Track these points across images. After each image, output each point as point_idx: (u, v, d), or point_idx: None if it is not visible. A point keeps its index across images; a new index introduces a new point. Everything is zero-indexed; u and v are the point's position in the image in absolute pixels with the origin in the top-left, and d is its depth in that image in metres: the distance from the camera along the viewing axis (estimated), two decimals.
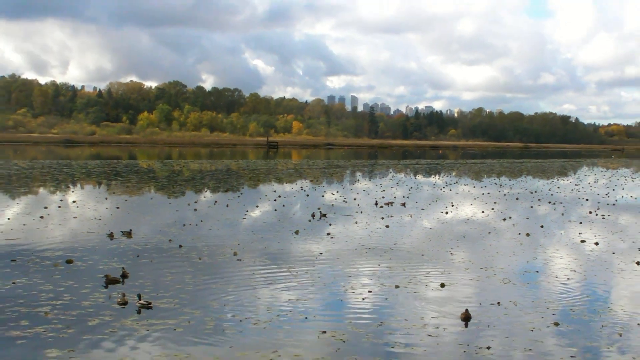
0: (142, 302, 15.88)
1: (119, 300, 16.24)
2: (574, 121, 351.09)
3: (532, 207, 40.37)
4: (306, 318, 15.27)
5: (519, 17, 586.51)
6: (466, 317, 14.82)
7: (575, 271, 21.32)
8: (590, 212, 37.85)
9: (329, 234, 27.84)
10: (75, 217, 31.73)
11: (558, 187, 58.51)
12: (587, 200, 45.79)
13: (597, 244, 26.71)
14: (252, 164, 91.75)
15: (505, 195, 48.77)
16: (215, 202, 39.99)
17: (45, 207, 35.25)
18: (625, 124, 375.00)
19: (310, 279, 19.38)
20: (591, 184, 64.16)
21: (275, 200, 41.48)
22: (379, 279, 19.42)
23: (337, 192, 49.00)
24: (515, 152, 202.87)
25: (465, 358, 12.71)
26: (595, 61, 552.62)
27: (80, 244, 24.45)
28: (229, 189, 50.64)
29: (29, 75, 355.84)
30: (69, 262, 20.93)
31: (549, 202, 43.32)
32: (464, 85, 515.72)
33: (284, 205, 38.52)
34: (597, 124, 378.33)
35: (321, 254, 23.40)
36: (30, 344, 13.02)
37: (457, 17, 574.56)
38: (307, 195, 45.35)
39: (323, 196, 44.96)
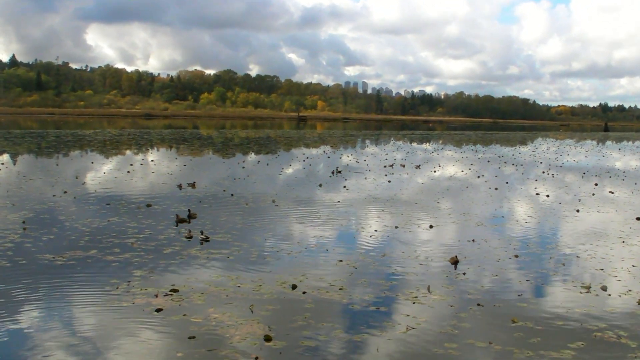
0: (203, 236, 16.00)
1: (186, 234, 16.36)
2: (532, 102, 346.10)
3: (499, 168, 40.17)
4: (327, 250, 15.32)
5: (492, 23, 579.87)
6: (455, 262, 14.22)
7: (531, 217, 21.24)
8: (544, 172, 37.62)
9: (345, 186, 27.84)
10: (153, 172, 31.94)
11: (519, 153, 58.15)
12: (541, 163, 45.55)
13: (548, 196, 26.59)
14: (286, 133, 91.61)
15: (479, 158, 48.51)
16: (259, 161, 40.09)
17: (131, 165, 35.50)
18: (570, 106, 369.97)
19: (330, 220, 19.43)
20: (544, 150, 63.72)
21: (304, 160, 41.52)
22: (383, 221, 19.44)
23: (351, 155, 48.96)
24: (486, 125, 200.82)
25: (447, 281, 12.74)
26: (549, 57, 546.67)
27: (156, 192, 24.63)
28: (269, 152, 50.72)
29: (119, 65, 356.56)
30: (148, 205, 21.10)
31: (513, 164, 43.08)
32: (449, 74, 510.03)
33: (310, 165, 38.55)
34: (549, 105, 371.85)
35: (339, 201, 23.43)
36: (121, 266, 13.18)
37: (445, 22, 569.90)
38: (328, 157, 45.34)
39: (340, 158, 44.94)
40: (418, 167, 38.53)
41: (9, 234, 16.08)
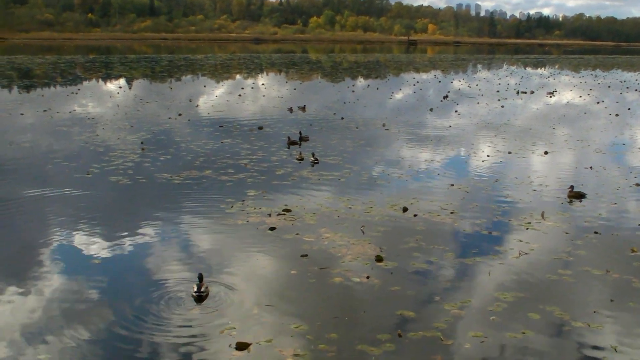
0: (314, 158, 16.26)
1: (298, 156, 16.69)
2: None
3: (621, 93, 38.18)
4: (438, 174, 15.25)
5: None
6: (574, 196, 13.10)
7: None
8: None
9: (456, 111, 27.40)
10: (264, 96, 32.50)
11: None
12: None
13: None
14: (396, 57, 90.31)
15: (599, 84, 46.25)
16: (368, 85, 39.92)
17: (242, 88, 36.23)
18: None
19: (442, 144, 19.26)
20: None
21: (414, 85, 41.00)
22: (495, 147, 19.06)
23: (463, 79, 47.84)
24: (608, 49, 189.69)
25: (561, 207, 12.43)
26: None
27: (267, 115, 25.12)
28: (378, 76, 50.32)
29: None
30: (260, 128, 21.59)
31: (636, 90, 40.82)
32: None
33: (420, 89, 38.05)
34: None
35: (450, 126, 23.12)
36: (236, 186, 13.66)
37: None
38: (439, 82, 44.56)
39: (452, 83, 44.08)
40: (551, 94, 36.97)
41: (129, 154, 16.97)
